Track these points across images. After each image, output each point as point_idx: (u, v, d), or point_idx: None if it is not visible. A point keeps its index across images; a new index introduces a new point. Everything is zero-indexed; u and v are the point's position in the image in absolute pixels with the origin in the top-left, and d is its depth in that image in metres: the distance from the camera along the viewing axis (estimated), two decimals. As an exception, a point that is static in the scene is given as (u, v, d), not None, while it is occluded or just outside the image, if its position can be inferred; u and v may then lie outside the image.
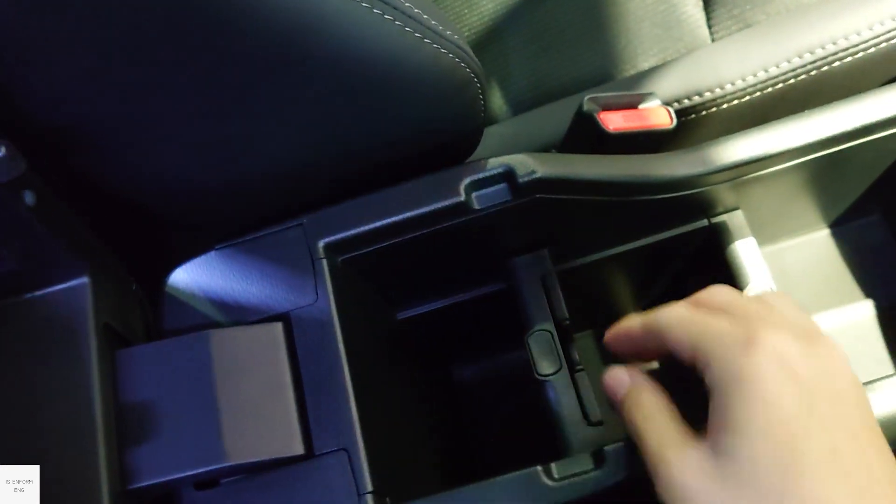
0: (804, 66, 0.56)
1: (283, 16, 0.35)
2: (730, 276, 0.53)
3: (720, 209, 0.54)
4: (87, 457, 0.38)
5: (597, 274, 0.58)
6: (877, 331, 0.62)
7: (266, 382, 0.42)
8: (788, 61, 0.56)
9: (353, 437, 0.41)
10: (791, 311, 0.38)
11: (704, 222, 0.55)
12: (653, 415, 0.39)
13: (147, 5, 0.33)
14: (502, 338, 0.57)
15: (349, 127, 0.44)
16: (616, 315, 0.44)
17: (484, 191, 0.46)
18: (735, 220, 0.55)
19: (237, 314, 0.45)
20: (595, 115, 0.51)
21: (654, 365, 0.44)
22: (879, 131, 0.50)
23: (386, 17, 0.38)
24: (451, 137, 0.48)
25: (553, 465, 0.42)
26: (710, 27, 0.63)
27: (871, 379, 0.43)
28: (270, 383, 0.42)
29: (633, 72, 0.63)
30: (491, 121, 0.66)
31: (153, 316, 0.47)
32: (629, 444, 0.42)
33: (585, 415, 0.47)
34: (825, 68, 0.56)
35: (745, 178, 0.51)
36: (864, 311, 0.63)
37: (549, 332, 0.49)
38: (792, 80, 0.56)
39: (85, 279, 0.42)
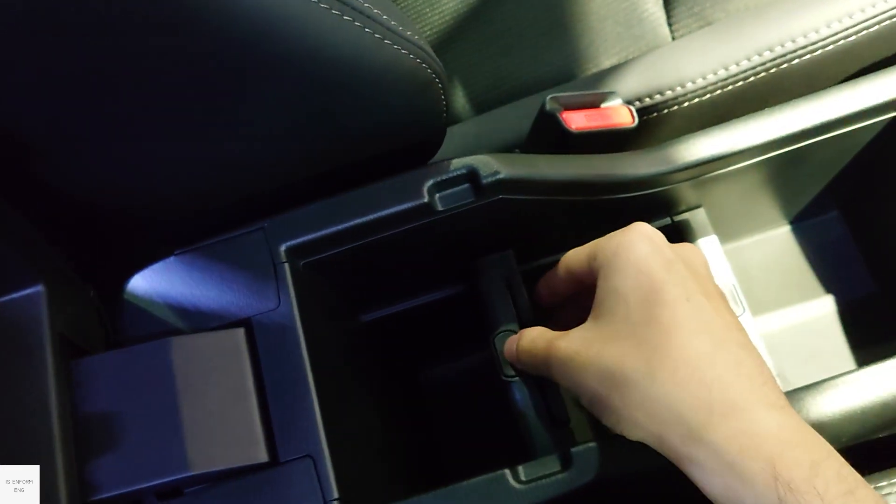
0: (763, 63, 0.56)
1: (242, 18, 0.34)
2: (692, 273, 0.53)
3: (682, 207, 0.55)
4: (44, 471, 0.37)
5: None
6: (837, 326, 0.63)
7: (228, 389, 0.42)
8: (748, 59, 0.56)
9: (318, 443, 0.41)
10: None
11: (667, 220, 0.55)
12: (539, 334, 0.45)
13: (110, 20, 0.32)
14: (469, 339, 0.57)
15: (309, 130, 0.43)
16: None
17: (447, 192, 0.46)
18: (697, 218, 0.55)
19: (198, 320, 0.44)
20: (557, 114, 0.51)
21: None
22: (837, 129, 0.50)
23: (345, 18, 0.37)
24: (413, 138, 0.48)
25: (520, 468, 0.42)
26: (670, 25, 0.63)
27: (832, 375, 0.43)
28: (233, 390, 0.42)
29: (594, 70, 0.63)
30: (454, 120, 0.65)
31: (112, 324, 0.46)
32: (598, 445, 0.42)
33: (552, 416, 0.47)
34: (784, 66, 0.57)
35: (706, 176, 0.51)
36: (824, 307, 0.64)
37: (515, 332, 0.49)
38: (752, 78, 0.57)
39: (40, 288, 0.41)
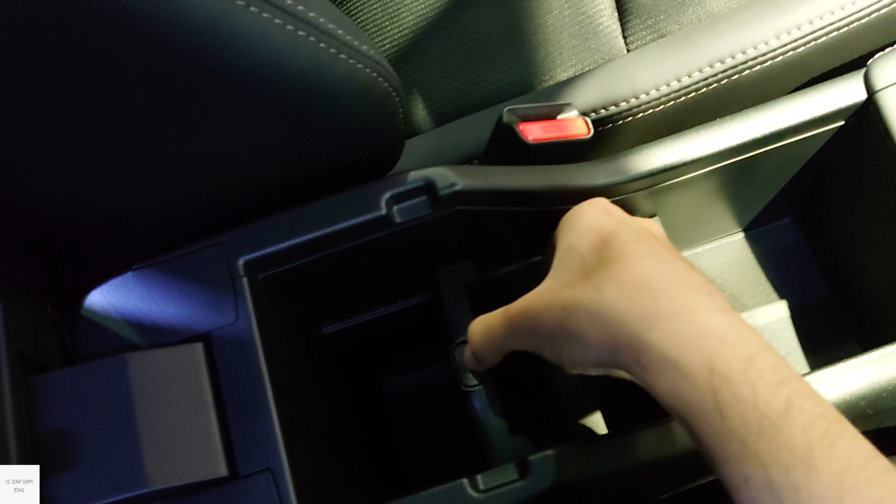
0: (715, 75, 0.57)
1: (195, 33, 0.34)
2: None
3: (638, 216, 0.55)
4: None
5: (520, 283, 0.58)
6: (790, 330, 0.64)
7: (187, 404, 0.42)
8: (700, 71, 0.58)
9: (278, 456, 0.41)
10: None
11: (624, 229, 0.56)
12: (488, 314, 0.47)
13: (51, 35, 0.32)
14: (430, 349, 0.57)
15: (267, 143, 0.43)
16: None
17: (405, 204, 0.47)
18: (653, 226, 0.56)
19: (156, 336, 0.44)
20: (514, 126, 0.51)
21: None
22: (787, 138, 0.52)
23: (300, 32, 0.37)
24: (371, 151, 0.48)
25: (479, 477, 0.42)
26: (625, 38, 0.64)
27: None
28: (192, 405, 0.42)
29: (551, 82, 0.64)
30: (414, 132, 0.66)
31: (70, 340, 0.45)
32: (555, 452, 0.42)
33: (511, 425, 0.47)
34: (735, 77, 0.58)
35: (661, 185, 0.52)
36: (778, 312, 0.65)
37: None
38: (704, 90, 0.58)
39: (-4, 304, 0.41)
